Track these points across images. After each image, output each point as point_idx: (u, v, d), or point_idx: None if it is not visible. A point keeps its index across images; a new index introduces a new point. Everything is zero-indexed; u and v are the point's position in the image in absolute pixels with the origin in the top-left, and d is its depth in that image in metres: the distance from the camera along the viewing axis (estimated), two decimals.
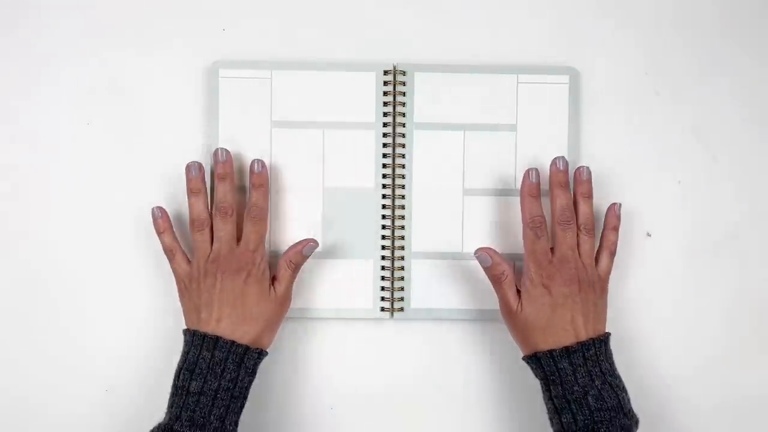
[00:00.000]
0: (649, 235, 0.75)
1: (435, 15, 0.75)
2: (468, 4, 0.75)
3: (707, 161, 0.75)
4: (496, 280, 0.69)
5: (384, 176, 0.73)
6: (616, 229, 0.71)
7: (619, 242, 0.72)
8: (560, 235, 0.68)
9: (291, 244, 0.72)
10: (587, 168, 0.71)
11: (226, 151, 0.70)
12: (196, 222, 0.69)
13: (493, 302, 0.73)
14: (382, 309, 0.74)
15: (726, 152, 0.75)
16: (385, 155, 0.74)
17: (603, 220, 0.72)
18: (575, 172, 0.71)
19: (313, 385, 0.75)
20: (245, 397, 0.66)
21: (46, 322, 0.74)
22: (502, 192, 0.74)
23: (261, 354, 0.67)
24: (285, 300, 0.70)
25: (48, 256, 0.74)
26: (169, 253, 0.70)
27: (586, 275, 0.68)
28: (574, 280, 0.67)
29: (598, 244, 0.71)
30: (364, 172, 0.74)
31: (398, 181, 0.74)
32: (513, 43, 0.75)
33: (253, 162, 0.71)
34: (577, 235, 0.69)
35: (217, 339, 0.66)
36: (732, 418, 0.75)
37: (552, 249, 0.69)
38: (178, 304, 0.71)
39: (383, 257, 0.73)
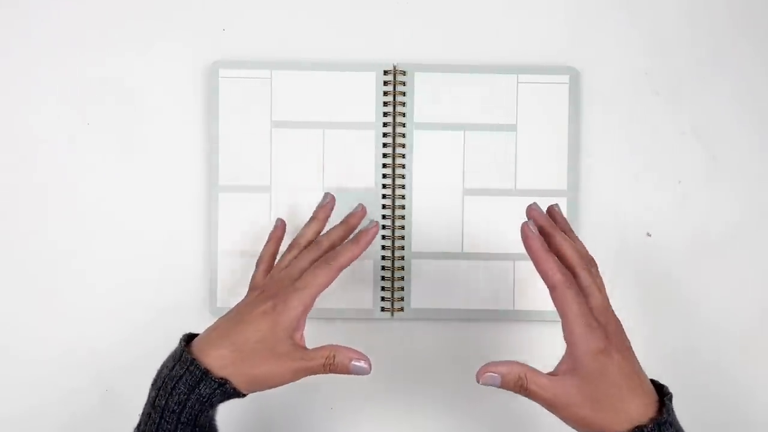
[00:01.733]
0: (649, 235, 0.75)
1: (435, 15, 0.75)
2: (468, 4, 0.75)
3: (707, 161, 0.75)
4: (521, 389, 0.55)
5: (384, 176, 0.74)
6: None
7: (619, 242, 0.72)
8: (590, 281, 0.56)
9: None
10: (557, 204, 0.64)
11: (332, 197, 0.70)
12: (294, 241, 0.66)
13: (493, 302, 0.73)
14: (383, 309, 0.74)
15: (726, 152, 0.75)
16: (385, 155, 0.74)
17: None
18: (550, 212, 0.63)
19: (313, 385, 0.75)
20: (202, 429, 0.57)
21: (46, 322, 0.74)
22: (502, 192, 0.74)
23: (222, 386, 0.56)
24: (285, 371, 0.59)
25: (48, 255, 0.74)
26: (259, 260, 0.66)
27: (617, 320, 0.56)
28: (621, 333, 0.56)
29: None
30: (365, 172, 0.74)
31: (398, 181, 0.74)
32: (513, 43, 0.75)
33: (369, 221, 0.66)
34: None
35: (182, 353, 0.57)
36: (732, 418, 0.75)
37: None
38: (176, 303, 0.71)
39: (383, 257, 0.73)
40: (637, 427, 0.52)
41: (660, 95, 0.75)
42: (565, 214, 0.73)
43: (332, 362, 0.59)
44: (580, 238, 0.64)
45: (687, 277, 0.75)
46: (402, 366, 0.75)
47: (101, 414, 0.74)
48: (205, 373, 0.56)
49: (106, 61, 0.74)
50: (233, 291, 0.73)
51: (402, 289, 0.74)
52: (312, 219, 0.68)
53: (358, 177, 0.74)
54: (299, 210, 0.73)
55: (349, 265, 0.62)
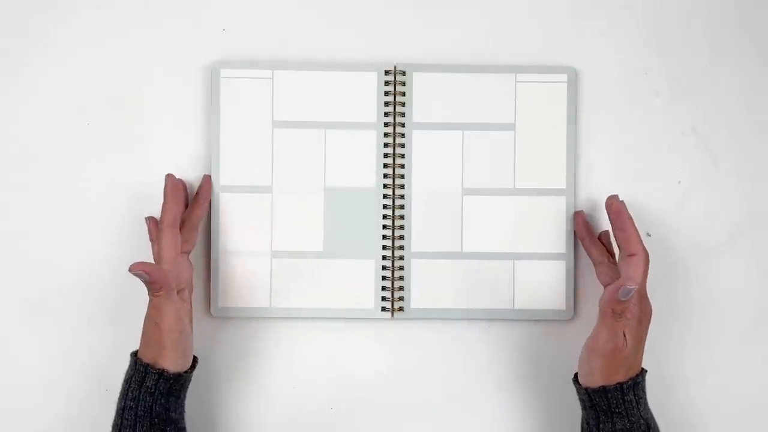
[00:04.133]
0: (649, 235, 0.75)
1: (435, 15, 0.75)
2: (467, 4, 0.75)
3: (707, 161, 0.75)
4: (620, 314, 0.63)
5: (385, 176, 0.74)
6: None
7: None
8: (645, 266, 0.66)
9: (295, 245, 0.73)
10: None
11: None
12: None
13: (493, 302, 0.73)
14: (383, 309, 0.74)
15: (726, 152, 0.75)
16: (386, 155, 0.74)
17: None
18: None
19: (313, 385, 0.75)
20: (160, 419, 0.64)
21: (46, 321, 0.74)
22: (502, 191, 0.74)
23: (162, 375, 0.63)
24: (155, 319, 0.64)
25: (48, 255, 0.74)
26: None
27: None
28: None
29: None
30: (365, 172, 0.74)
31: (398, 181, 0.74)
32: (512, 43, 0.75)
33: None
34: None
35: (132, 355, 0.66)
36: (731, 418, 0.75)
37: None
38: None
39: (384, 257, 0.74)
40: (631, 377, 0.64)
41: (660, 95, 0.75)
42: (563, 214, 0.74)
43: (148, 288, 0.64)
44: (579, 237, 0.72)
45: (687, 277, 0.75)
46: (402, 366, 0.75)
47: (101, 414, 0.74)
48: (146, 366, 0.63)
49: (106, 61, 0.74)
50: (234, 291, 0.73)
51: (402, 289, 0.74)
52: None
53: (358, 177, 0.74)
54: (300, 210, 0.74)
55: (176, 215, 0.68)
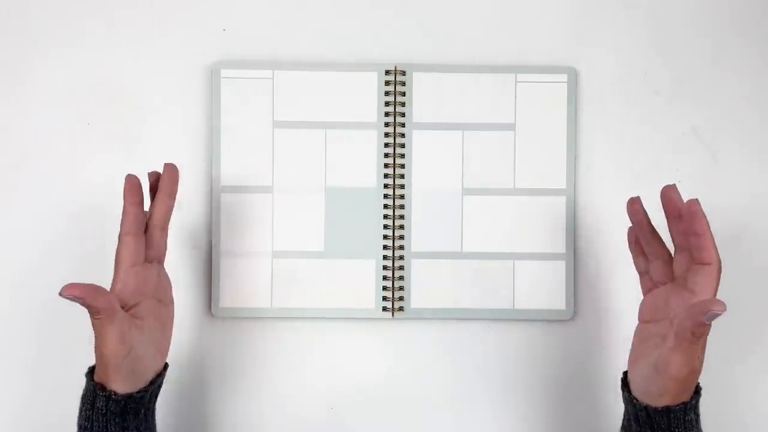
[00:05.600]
0: None
1: (435, 15, 0.75)
2: (467, 4, 0.75)
3: (707, 161, 0.75)
4: (699, 336, 0.57)
5: (385, 176, 0.74)
6: None
7: (619, 246, 0.72)
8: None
9: (295, 245, 0.73)
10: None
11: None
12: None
13: (493, 302, 0.73)
14: (384, 309, 0.74)
15: (726, 152, 0.75)
16: (386, 155, 0.74)
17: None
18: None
19: (313, 385, 0.75)
20: None
21: (46, 321, 0.74)
22: (502, 191, 0.74)
23: (110, 397, 0.58)
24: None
25: (48, 255, 0.74)
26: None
27: None
28: None
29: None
30: (366, 172, 0.74)
31: (398, 181, 0.74)
32: (512, 43, 0.75)
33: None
34: (686, 265, 0.60)
35: (90, 369, 0.60)
36: (731, 419, 0.75)
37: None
38: (177, 304, 0.71)
39: (384, 257, 0.74)
40: (693, 395, 0.59)
41: (660, 95, 0.75)
42: (563, 214, 0.74)
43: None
44: (579, 237, 0.69)
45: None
46: (402, 366, 0.75)
47: None
48: (94, 386, 0.58)
49: (106, 61, 0.74)
50: (235, 291, 0.73)
51: (402, 289, 0.74)
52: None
53: (359, 177, 0.74)
54: (301, 210, 0.74)
55: (134, 221, 0.60)
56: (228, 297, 0.73)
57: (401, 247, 0.74)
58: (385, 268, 0.74)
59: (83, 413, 0.59)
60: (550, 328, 0.75)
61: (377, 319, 0.74)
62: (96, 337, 0.58)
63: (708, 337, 0.58)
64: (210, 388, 0.74)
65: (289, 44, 0.75)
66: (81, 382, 0.60)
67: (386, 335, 0.75)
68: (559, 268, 0.74)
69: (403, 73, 0.74)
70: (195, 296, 0.74)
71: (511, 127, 0.74)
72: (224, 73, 0.73)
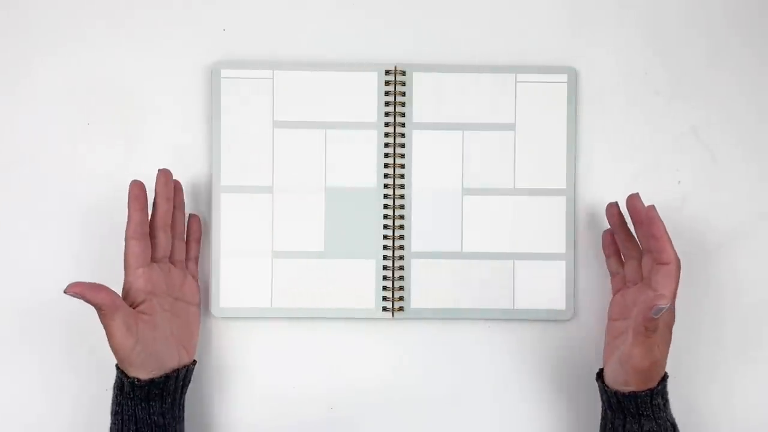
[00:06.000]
0: None
1: (435, 15, 0.75)
2: (467, 4, 0.75)
3: (707, 161, 0.75)
4: (653, 330, 0.62)
5: (385, 176, 0.74)
6: None
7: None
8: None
9: (295, 245, 0.73)
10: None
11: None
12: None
13: (493, 302, 0.73)
14: (384, 309, 0.74)
15: (726, 152, 0.75)
16: (386, 155, 0.74)
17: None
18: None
19: (313, 385, 0.75)
20: (144, 423, 0.65)
21: (47, 321, 0.74)
22: (502, 191, 0.74)
23: (134, 383, 0.64)
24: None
25: (48, 255, 0.74)
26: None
27: None
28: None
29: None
30: (366, 172, 0.74)
31: (398, 181, 0.74)
32: (512, 43, 0.75)
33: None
34: (649, 266, 0.67)
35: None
36: (734, 418, 0.75)
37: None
38: None
39: (384, 257, 0.74)
40: (659, 381, 0.65)
41: (660, 95, 0.75)
42: (563, 214, 0.74)
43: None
44: (579, 237, 0.73)
45: (687, 277, 0.75)
46: (402, 366, 0.75)
47: (101, 414, 0.74)
48: (121, 373, 0.64)
49: (106, 61, 0.74)
50: (235, 291, 0.73)
51: (402, 289, 0.74)
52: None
53: (358, 177, 0.74)
54: (301, 210, 0.74)
55: (138, 225, 0.65)
56: (228, 297, 0.73)
57: (401, 247, 0.74)
58: (385, 268, 0.74)
59: (115, 399, 0.65)
60: (550, 328, 0.75)
61: (377, 319, 0.74)
62: (105, 331, 0.62)
63: (675, 331, 0.65)
64: (209, 388, 0.74)
65: (289, 44, 0.75)
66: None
67: (386, 335, 0.74)
68: (559, 268, 0.74)
69: (403, 73, 0.74)
70: None
71: (511, 127, 0.74)
72: (224, 73, 0.73)
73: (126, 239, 0.65)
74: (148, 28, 0.74)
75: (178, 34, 0.74)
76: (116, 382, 0.65)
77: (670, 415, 0.66)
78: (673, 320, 0.65)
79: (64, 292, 0.60)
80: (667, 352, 0.65)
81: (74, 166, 0.74)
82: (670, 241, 0.63)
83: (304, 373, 0.74)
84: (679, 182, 0.75)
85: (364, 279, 0.73)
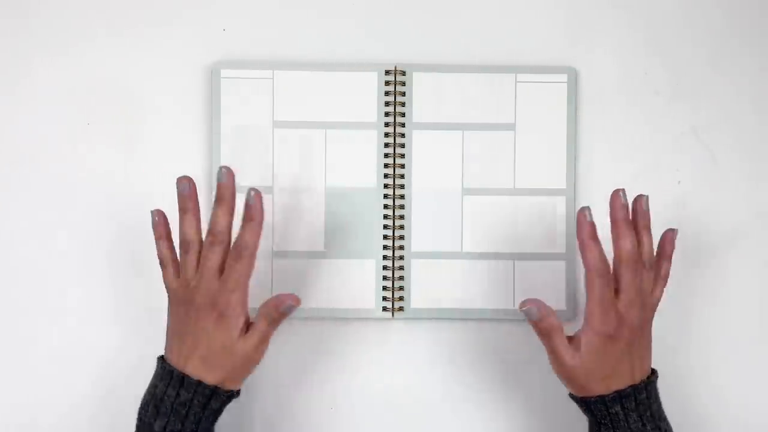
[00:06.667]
0: None
1: (435, 15, 0.75)
2: (467, 4, 0.75)
3: (707, 161, 0.75)
4: (545, 334, 0.62)
5: (385, 176, 0.74)
6: (671, 257, 0.66)
7: None
8: (629, 279, 0.61)
9: (295, 245, 0.72)
10: (647, 197, 0.65)
11: (228, 169, 0.63)
12: (182, 242, 0.64)
13: (493, 302, 0.73)
14: (384, 309, 0.74)
15: (726, 152, 0.75)
16: (386, 155, 0.74)
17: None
18: (634, 203, 0.65)
19: (314, 386, 0.75)
20: None
21: (47, 322, 0.74)
22: (502, 191, 0.74)
23: (230, 396, 0.63)
24: (253, 354, 0.63)
25: (48, 255, 0.74)
26: (161, 262, 0.65)
27: (647, 317, 0.64)
28: (638, 327, 0.62)
29: None
30: (366, 171, 0.74)
31: (398, 181, 0.74)
32: (512, 43, 0.75)
33: (248, 192, 0.62)
34: None
35: (183, 378, 0.61)
36: (735, 418, 0.75)
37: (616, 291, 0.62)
38: None
39: (384, 257, 0.74)
40: (616, 390, 0.62)
41: (660, 95, 0.75)
42: (563, 214, 0.74)
43: (268, 322, 0.63)
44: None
45: (687, 277, 0.75)
46: (402, 366, 0.75)
47: (101, 414, 0.74)
48: (214, 391, 0.62)
49: (106, 61, 0.74)
50: None
51: (402, 289, 0.74)
52: (185, 213, 0.64)
53: (359, 177, 0.74)
54: (300, 210, 0.74)
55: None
56: None
57: (401, 247, 0.74)
58: (385, 268, 0.74)
59: (192, 416, 0.62)
60: None
61: (377, 319, 0.74)
62: (257, 350, 0.63)
63: (652, 327, 0.64)
64: None
65: (289, 44, 0.75)
66: None
67: (386, 335, 0.74)
68: (559, 268, 0.74)
69: (403, 73, 0.74)
70: None
71: (511, 127, 0.74)
72: (224, 73, 0.73)
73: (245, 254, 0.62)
74: (148, 28, 0.74)
75: (178, 34, 0.74)
76: (200, 397, 0.62)
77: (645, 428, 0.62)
78: (625, 329, 0.61)
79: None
80: (604, 364, 0.61)
81: (74, 166, 0.74)
82: (590, 249, 0.60)
83: (304, 373, 0.74)
84: (679, 182, 0.75)
85: (364, 279, 0.73)
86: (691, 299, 0.75)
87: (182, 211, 0.64)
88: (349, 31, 0.75)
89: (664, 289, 0.67)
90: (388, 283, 0.74)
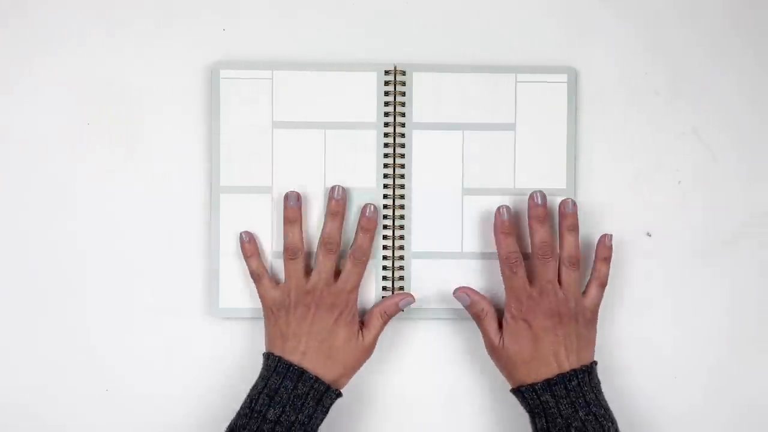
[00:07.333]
0: (649, 235, 0.75)
1: (435, 15, 0.75)
2: (467, 4, 0.75)
3: (707, 161, 0.75)
4: (477, 318, 0.71)
5: (385, 176, 0.74)
6: (606, 260, 0.72)
7: (618, 245, 0.72)
8: (539, 269, 0.69)
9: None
10: (572, 200, 0.71)
11: (343, 188, 0.72)
12: (289, 250, 0.70)
13: (493, 302, 0.73)
14: None
15: (726, 152, 0.75)
16: (386, 155, 0.74)
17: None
18: (560, 205, 0.71)
19: None
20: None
21: (47, 322, 0.74)
22: (501, 191, 0.74)
23: (339, 395, 0.68)
24: (370, 348, 0.71)
25: (48, 255, 0.74)
26: (255, 277, 0.71)
27: (567, 307, 0.69)
28: (554, 313, 0.68)
29: (588, 275, 0.72)
30: (366, 172, 0.74)
31: (398, 181, 0.74)
32: (512, 43, 0.75)
33: (365, 206, 0.71)
34: (560, 267, 0.70)
35: (302, 372, 0.67)
36: (736, 418, 0.75)
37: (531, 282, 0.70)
38: (177, 304, 0.72)
39: (384, 257, 0.74)
40: (545, 379, 0.67)
41: (660, 95, 0.75)
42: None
43: (385, 320, 0.71)
44: (578, 237, 0.71)
45: (687, 277, 0.75)
46: (402, 366, 0.75)
47: (101, 414, 0.74)
48: (327, 388, 0.67)
49: (106, 62, 0.74)
50: (235, 291, 0.73)
51: (402, 289, 0.74)
52: (293, 223, 0.71)
53: (359, 177, 0.74)
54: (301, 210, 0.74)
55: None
56: (228, 297, 0.73)
57: (401, 247, 0.74)
58: (385, 268, 0.74)
59: (306, 410, 0.67)
60: None
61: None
62: (372, 344, 0.71)
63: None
64: (209, 388, 0.74)
65: (289, 44, 0.75)
66: None
67: (386, 335, 0.74)
68: None
69: (403, 73, 0.74)
70: (195, 297, 0.74)
71: (511, 127, 0.74)
72: (224, 73, 0.73)
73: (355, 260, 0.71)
74: (148, 28, 0.74)
75: (178, 34, 0.74)
76: (315, 393, 0.67)
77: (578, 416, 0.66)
78: (522, 316, 0.68)
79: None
80: (522, 347, 0.68)
81: (74, 166, 0.74)
82: (501, 242, 0.70)
83: None
84: (679, 182, 0.75)
85: (364, 279, 0.73)
86: (690, 299, 0.75)
87: (290, 221, 0.71)
88: (348, 31, 0.75)
89: (603, 291, 0.71)
90: (388, 283, 0.74)
